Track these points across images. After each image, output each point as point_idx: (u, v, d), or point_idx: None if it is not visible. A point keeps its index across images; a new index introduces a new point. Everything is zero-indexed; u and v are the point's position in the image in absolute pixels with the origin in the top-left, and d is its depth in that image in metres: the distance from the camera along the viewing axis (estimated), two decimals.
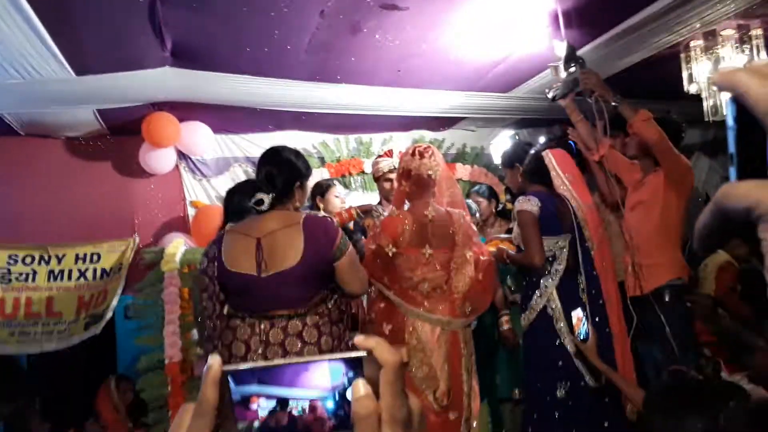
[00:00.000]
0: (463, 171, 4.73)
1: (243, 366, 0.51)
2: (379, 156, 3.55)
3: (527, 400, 2.80)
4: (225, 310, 2.15)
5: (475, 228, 2.80)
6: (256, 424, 0.53)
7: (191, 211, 4.20)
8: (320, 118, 4.24)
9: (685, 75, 3.36)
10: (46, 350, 3.54)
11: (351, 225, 3.04)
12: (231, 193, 2.79)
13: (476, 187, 4.06)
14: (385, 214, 3.14)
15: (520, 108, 4.27)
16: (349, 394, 0.52)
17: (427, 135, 4.72)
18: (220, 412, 0.50)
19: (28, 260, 3.70)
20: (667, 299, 2.69)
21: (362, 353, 0.52)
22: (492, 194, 3.89)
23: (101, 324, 3.57)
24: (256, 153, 3.83)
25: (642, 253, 2.81)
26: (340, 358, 0.53)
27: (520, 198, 2.75)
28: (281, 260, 2.04)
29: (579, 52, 3.01)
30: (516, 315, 3.05)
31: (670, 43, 3.22)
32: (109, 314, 3.61)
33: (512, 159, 3.14)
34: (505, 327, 3.20)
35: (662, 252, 2.75)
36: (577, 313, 2.56)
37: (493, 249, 2.96)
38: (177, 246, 3.39)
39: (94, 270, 3.77)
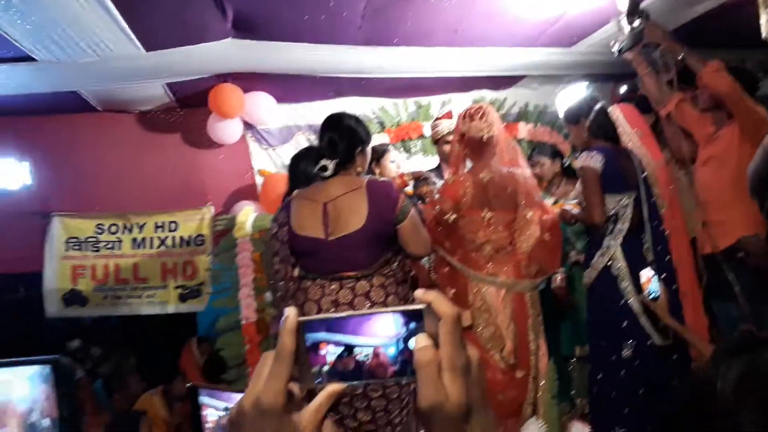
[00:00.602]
0: (525, 130, 4.66)
1: (314, 317, 0.59)
2: (438, 118, 3.54)
3: (592, 360, 2.81)
4: (296, 272, 2.28)
5: (538, 188, 2.78)
6: (326, 368, 0.59)
7: (259, 180, 4.36)
8: (379, 82, 4.25)
9: (763, 20, 3.16)
10: (139, 313, 3.84)
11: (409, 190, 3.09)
12: (296, 160, 2.89)
13: (537, 148, 3.99)
14: (439, 182, 3.16)
15: (584, 63, 4.14)
16: (411, 344, 0.57)
17: (488, 95, 4.65)
18: (297, 358, 0.57)
19: (113, 229, 3.99)
20: (739, 256, 2.62)
21: (422, 306, 0.57)
22: (555, 153, 3.82)
23: (203, 299, 3.80)
24: (318, 121, 3.91)
25: (714, 209, 2.72)
26: (401, 310, 0.58)
27: (583, 154, 2.71)
28: (346, 224, 2.13)
29: (644, 3, 2.89)
30: (578, 274, 3.04)
31: None
32: (207, 290, 3.82)
33: (577, 114, 3.06)
34: (556, 284, 3.17)
35: (736, 208, 2.65)
36: (647, 273, 2.52)
37: (557, 210, 2.95)
38: (247, 213, 3.56)
39: (173, 238, 4.02)
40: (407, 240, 2.20)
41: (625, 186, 2.68)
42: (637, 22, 2.80)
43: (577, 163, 2.75)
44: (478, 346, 2.55)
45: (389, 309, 0.59)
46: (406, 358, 0.58)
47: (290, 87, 4.18)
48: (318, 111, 4.37)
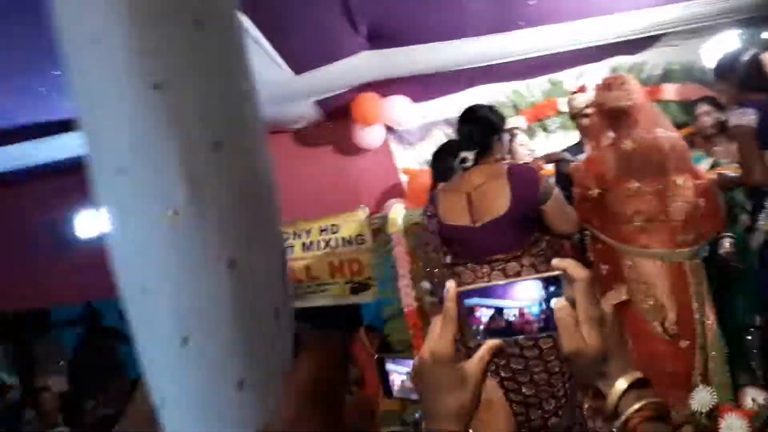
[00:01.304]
0: (671, 91, 4.37)
1: (470, 286, 0.75)
2: (573, 92, 3.51)
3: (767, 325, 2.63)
4: (448, 260, 2.46)
5: (690, 151, 2.66)
6: (481, 327, 0.74)
7: (404, 178, 4.61)
8: (508, 66, 4.24)
9: None
10: (318, 305, 4.28)
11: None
12: (436, 155, 3.07)
13: (698, 101, 3.72)
14: (577, 158, 3.12)
15: (729, 9, 3.79)
16: (552, 303, 0.70)
17: (625, 61, 4.43)
18: (460, 320, 0.73)
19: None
20: None
21: (558, 272, 0.71)
22: (717, 104, 3.54)
23: (371, 292, 4.17)
24: (453, 114, 4.04)
25: None
26: (541, 277, 0.73)
27: (735, 111, 2.56)
28: (490, 209, 2.26)
29: None
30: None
31: None
32: (374, 283, 4.18)
33: (726, 67, 2.84)
34: (723, 250, 2.92)
35: None
36: None
37: (713, 176, 2.80)
38: (398, 210, 3.81)
39: (336, 239, 4.40)
40: (553, 220, 2.28)
41: None
42: None
43: (731, 121, 2.60)
44: (638, 319, 2.52)
45: (531, 276, 0.74)
46: (547, 315, 0.71)
47: (424, 85, 4.36)
48: (452, 104, 4.48)
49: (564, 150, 3.57)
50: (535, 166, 3.11)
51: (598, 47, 4.17)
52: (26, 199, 4.81)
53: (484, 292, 0.74)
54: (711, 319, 2.55)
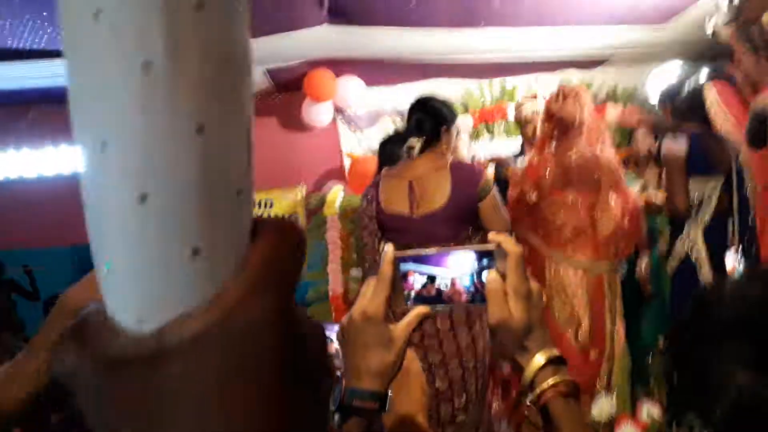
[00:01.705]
0: (613, 112, 4.55)
1: (406, 252, 0.75)
2: (523, 99, 3.57)
3: None
4: (383, 246, 2.45)
5: (623, 172, 2.77)
6: (412, 293, 0.76)
7: (346, 161, 4.58)
8: (464, 65, 4.30)
9: None
10: None
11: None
12: (384, 143, 3.04)
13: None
14: (521, 163, 3.19)
15: (677, 42, 3.98)
16: (483, 276, 0.72)
17: (575, 75, 4.58)
18: (393, 285, 0.74)
19: None
20: None
21: (493, 246, 0.72)
22: (652, 131, 3.69)
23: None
24: (404, 104, 4.03)
25: None
26: (475, 249, 0.74)
27: (667, 138, 2.68)
28: (431, 200, 2.26)
29: None
30: (665, 265, 3.01)
31: None
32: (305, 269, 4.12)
33: (668, 95, 2.99)
34: (641, 273, 3.12)
35: None
36: (731, 260, 2.49)
37: (640, 199, 2.93)
38: (336, 193, 3.78)
39: (269, 215, 4.31)
40: (487, 217, 2.31)
41: (713, 170, 2.63)
42: None
43: (662, 148, 2.72)
44: (553, 326, 2.60)
45: (466, 247, 0.75)
46: (477, 287, 0.74)
47: (379, 71, 4.34)
48: (404, 94, 4.47)
49: (505, 156, 3.64)
50: (478, 165, 3.15)
51: (551, 59, 4.29)
52: None
53: (420, 259, 0.75)
54: (620, 333, 2.68)
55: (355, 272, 3.48)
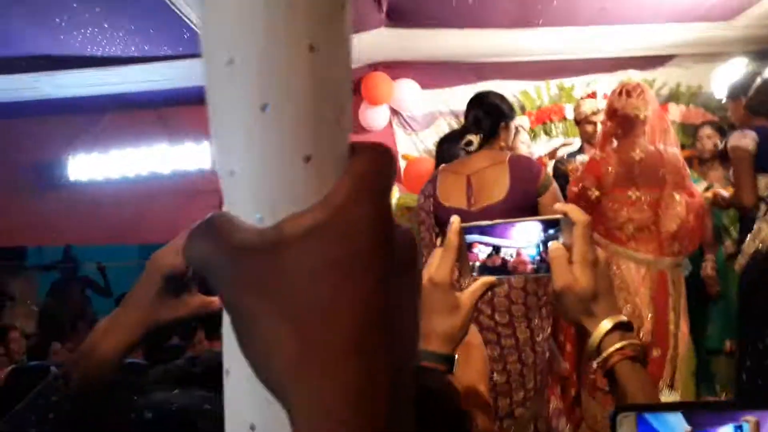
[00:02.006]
0: (676, 112, 4.44)
1: (472, 223, 0.78)
2: (582, 98, 3.54)
3: (740, 346, 2.70)
4: (439, 242, 2.48)
5: (688, 169, 2.72)
6: (478, 263, 0.78)
7: (402, 163, 4.61)
8: (521, 65, 4.30)
9: None
10: None
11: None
12: (441, 142, 3.08)
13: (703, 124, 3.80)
14: (579, 158, 3.15)
15: (743, 39, 3.84)
16: (548, 246, 0.73)
17: (635, 75, 4.44)
18: (459, 253, 0.76)
19: None
20: None
21: (559, 216, 0.73)
22: (720, 129, 3.58)
23: None
24: (460, 106, 4.04)
25: None
26: (541, 219, 0.75)
27: (735, 132, 2.62)
28: (489, 195, 2.27)
29: None
30: (732, 266, 2.91)
31: None
32: None
33: (737, 89, 2.89)
34: (707, 272, 3.07)
35: None
36: None
37: (708, 195, 2.87)
38: (393, 192, 3.83)
39: None
40: (547, 213, 2.31)
41: None
42: None
43: (730, 142, 2.65)
44: None
45: (531, 218, 0.76)
46: (543, 257, 0.75)
47: (435, 73, 4.37)
48: (460, 96, 4.48)
49: (565, 155, 3.61)
50: (537, 160, 3.14)
51: (610, 58, 4.22)
52: (15, 135, 4.73)
53: (485, 230, 0.77)
54: (684, 333, 2.61)
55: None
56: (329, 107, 0.26)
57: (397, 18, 3.59)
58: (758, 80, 2.71)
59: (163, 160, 4.67)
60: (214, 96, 0.26)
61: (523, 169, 2.27)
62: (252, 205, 0.26)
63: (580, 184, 2.62)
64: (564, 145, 3.27)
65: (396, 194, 3.78)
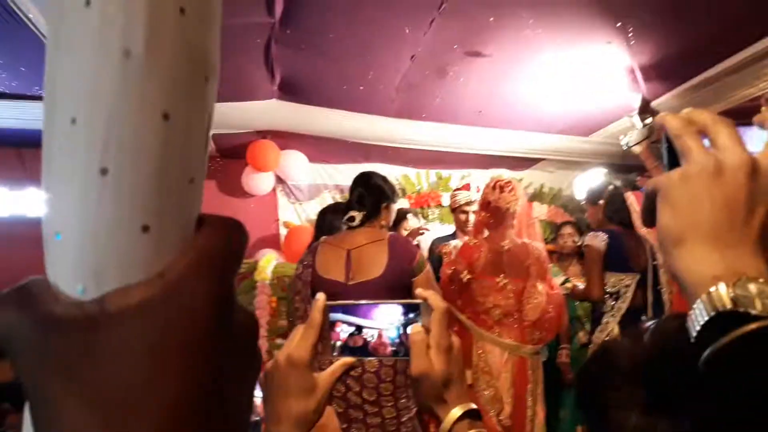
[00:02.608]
0: (540, 210, 4.85)
1: (337, 302, 0.77)
2: (457, 189, 3.71)
3: None
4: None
5: (549, 263, 2.91)
6: (339, 343, 0.77)
7: (283, 231, 4.57)
8: (404, 152, 4.50)
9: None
10: None
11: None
12: (323, 213, 3.08)
13: (565, 222, 4.14)
14: (453, 243, 3.29)
15: (599, 152, 4.37)
16: (408, 329, 0.74)
17: (506, 173, 4.85)
18: (321, 332, 0.75)
19: None
20: None
21: (419, 300, 0.75)
22: (577, 229, 3.95)
23: None
24: (345, 181, 4.15)
25: None
26: (403, 303, 0.76)
27: (589, 234, 2.89)
28: (367, 271, 2.28)
29: (655, 103, 3.14)
30: (585, 355, 3.13)
31: (749, 96, 3.26)
32: None
33: (596, 195, 3.22)
34: (562, 359, 3.24)
35: None
36: None
37: (568, 286, 3.09)
38: (269, 260, 3.73)
39: None
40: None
41: (629, 267, 2.81)
42: (648, 120, 3.05)
43: (585, 241, 2.91)
44: (477, 406, 2.62)
45: (394, 301, 0.77)
46: (403, 341, 0.75)
47: (323, 148, 4.45)
48: (346, 173, 4.61)
49: (439, 238, 3.75)
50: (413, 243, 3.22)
51: (485, 155, 4.56)
52: None
53: (349, 310, 0.77)
54: (540, 417, 2.71)
55: (281, 341, 3.38)
56: (177, 177, 0.25)
57: (289, 92, 3.64)
58: (611, 188, 3.04)
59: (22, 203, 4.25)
60: (51, 151, 0.24)
61: (401, 250, 2.32)
62: (76, 273, 0.23)
63: (453, 267, 2.72)
64: (421, 229, 3.41)
65: (273, 261, 3.70)
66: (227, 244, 0.25)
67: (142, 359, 0.22)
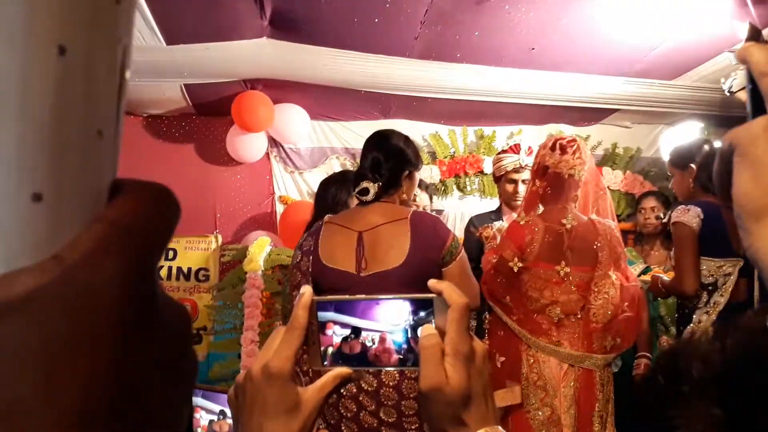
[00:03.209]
0: (612, 177, 4.73)
1: (328, 297, 0.74)
2: (503, 151, 3.65)
3: None
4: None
5: (624, 248, 2.82)
6: (331, 349, 0.74)
7: (279, 208, 4.53)
8: (434, 104, 4.41)
9: None
10: None
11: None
12: (326, 183, 3.03)
13: (646, 193, 4.03)
14: (497, 224, 3.22)
15: (690, 100, 4.22)
16: (419, 332, 0.71)
17: (566, 130, 4.77)
18: (308, 336, 0.72)
19: None
20: None
21: (432, 295, 0.72)
22: (666, 201, 3.83)
23: (203, 347, 3.91)
24: (357, 144, 4.07)
25: None
26: (411, 298, 0.73)
27: (679, 207, 2.78)
28: (384, 258, 2.22)
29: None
30: None
31: None
32: (212, 336, 3.93)
33: (685, 157, 3.07)
34: (639, 370, 3.16)
35: None
36: None
37: (646, 279, 3.00)
38: (262, 245, 3.69)
39: (169, 269, 4.17)
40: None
41: (730, 250, 2.71)
42: None
43: (673, 218, 2.81)
44: (527, 430, 2.58)
45: (400, 296, 0.74)
46: (411, 347, 0.73)
47: (329, 102, 4.37)
48: (358, 132, 4.55)
49: (478, 216, 3.67)
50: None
51: (539, 107, 4.44)
52: None
53: (343, 307, 0.75)
54: None
55: None
56: (78, 129, 0.24)
57: (283, 28, 3.55)
58: (706, 147, 2.90)
59: None
60: None
61: (428, 231, 2.25)
62: None
63: (498, 254, 2.65)
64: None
65: (266, 248, 3.66)
66: (148, 216, 0.25)
67: (32, 363, 0.22)
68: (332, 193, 2.92)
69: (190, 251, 4.23)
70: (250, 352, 3.32)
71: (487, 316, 2.78)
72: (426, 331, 0.71)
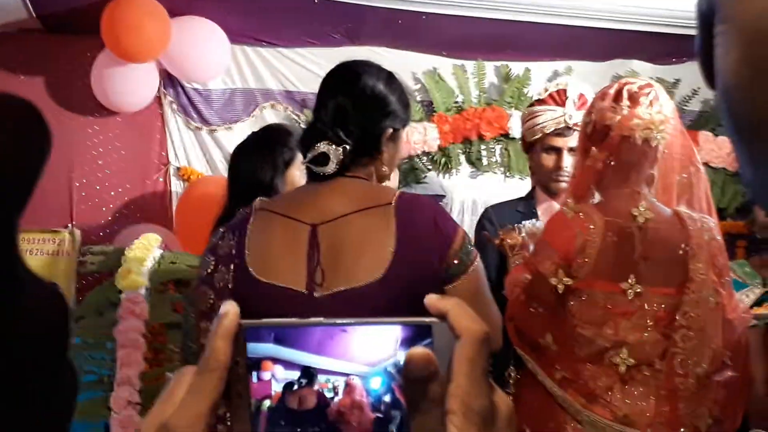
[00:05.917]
0: (713, 149, 4.74)
1: (264, 321, 0.72)
2: (540, 101, 3.66)
3: None
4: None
5: (727, 257, 2.83)
6: (267, 402, 0.72)
7: (177, 186, 4.53)
8: (432, 23, 4.46)
9: None
10: None
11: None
12: (250, 148, 3.03)
13: None
14: (529, 224, 3.22)
15: None
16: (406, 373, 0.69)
17: (642, 69, 4.80)
18: (231, 382, 0.70)
19: None
20: None
21: (432, 319, 0.70)
22: None
23: None
24: (307, 85, 4.12)
25: None
26: (399, 322, 0.71)
27: None
28: (352, 269, 2.21)
29: None
30: None
31: None
32: None
33: None
34: None
35: None
36: None
37: (766, 312, 3.03)
38: (148, 246, 3.69)
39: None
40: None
41: None
42: None
43: None
44: None
45: (380, 319, 0.72)
46: (397, 399, 0.71)
47: (259, 15, 4.39)
48: (308, 66, 4.56)
49: (499, 206, 3.70)
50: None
51: (597, 31, 4.48)
52: None
53: (289, 337, 0.73)
54: None
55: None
56: None
57: None
58: None
59: None
60: None
61: (424, 225, 2.26)
62: None
63: (534, 268, 2.65)
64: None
65: (155, 252, 3.67)
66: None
67: None
68: (260, 165, 2.92)
69: (30, 255, 4.21)
70: (125, 420, 3.32)
71: (513, 373, 2.79)
72: (415, 352, 0.68)
